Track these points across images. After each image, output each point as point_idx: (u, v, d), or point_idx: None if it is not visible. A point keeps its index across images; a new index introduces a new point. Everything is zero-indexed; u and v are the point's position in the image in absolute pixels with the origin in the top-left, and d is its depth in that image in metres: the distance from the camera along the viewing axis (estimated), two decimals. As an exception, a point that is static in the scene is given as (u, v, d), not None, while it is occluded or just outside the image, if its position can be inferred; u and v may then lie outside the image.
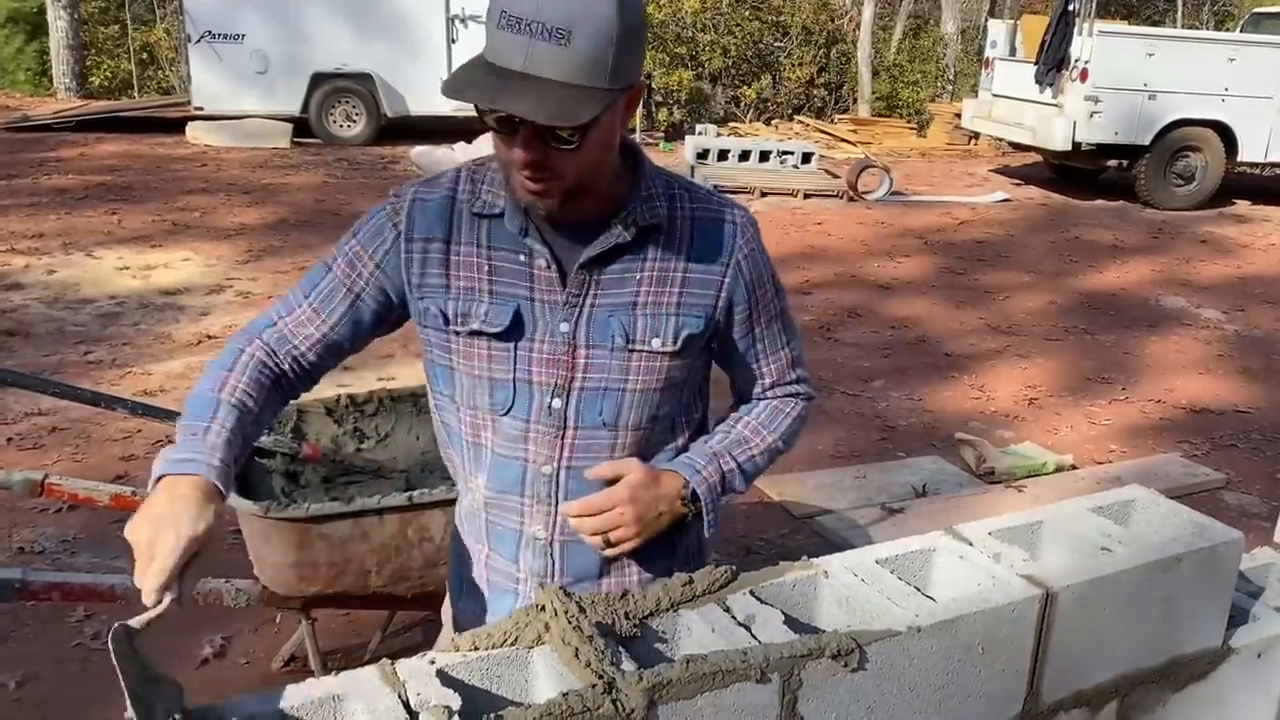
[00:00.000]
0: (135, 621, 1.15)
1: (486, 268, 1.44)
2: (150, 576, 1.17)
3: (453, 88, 1.26)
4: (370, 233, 1.47)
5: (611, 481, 1.50)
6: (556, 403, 1.46)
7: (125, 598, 2.28)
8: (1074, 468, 4.43)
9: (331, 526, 2.16)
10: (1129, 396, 5.39)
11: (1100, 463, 4.55)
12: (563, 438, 1.48)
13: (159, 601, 1.18)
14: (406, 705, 1.19)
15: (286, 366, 1.49)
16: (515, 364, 1.45)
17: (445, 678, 1.24)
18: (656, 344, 1.46)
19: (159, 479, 1.26)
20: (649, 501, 1.48)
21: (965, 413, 5.07)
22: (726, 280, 1.49)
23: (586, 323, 1.45)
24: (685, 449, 1.60)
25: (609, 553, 1.50)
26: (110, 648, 1.08)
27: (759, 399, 1.66)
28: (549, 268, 1.42)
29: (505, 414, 1.48)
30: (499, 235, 1.43)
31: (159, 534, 1.19)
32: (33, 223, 7.66)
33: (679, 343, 1.48)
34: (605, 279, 1.44)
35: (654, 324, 1.46)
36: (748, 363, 1.60)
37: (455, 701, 1.18)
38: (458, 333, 1.45)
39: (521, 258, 1.43)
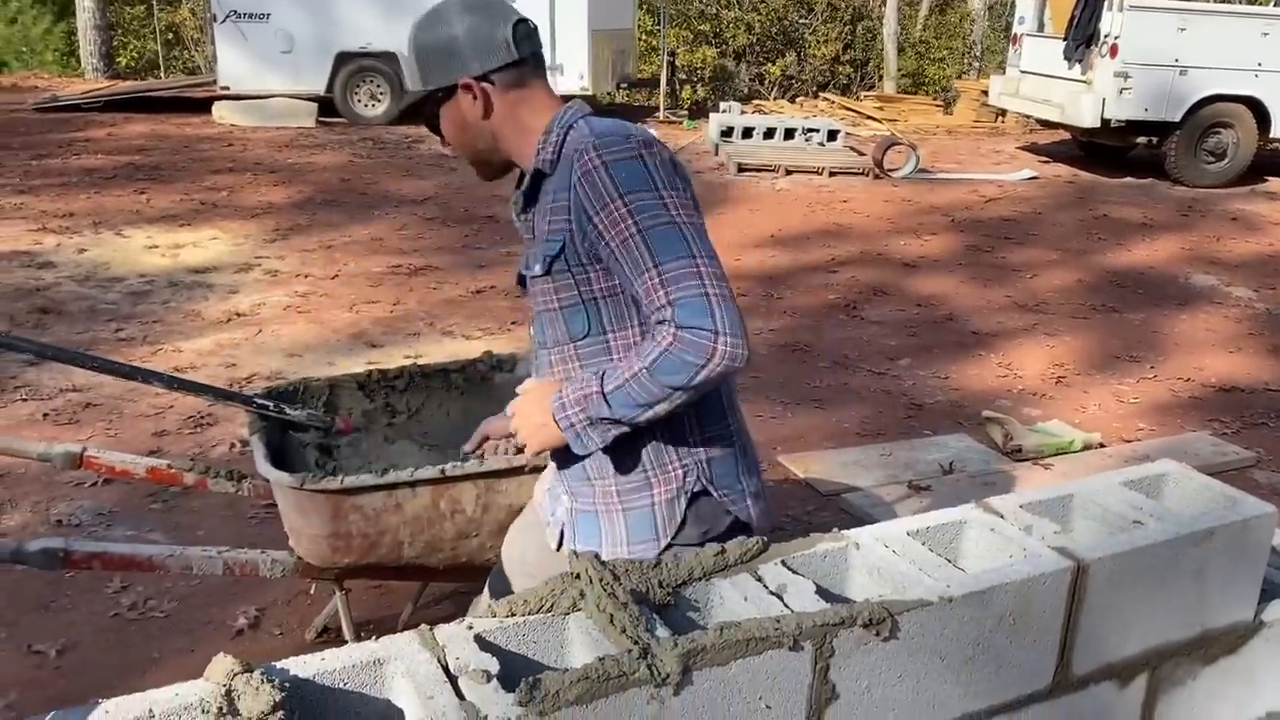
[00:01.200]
0: None
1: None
2: None
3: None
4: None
5: None
6: (531, 330, 1.82)
7: (162, 567, 2.32)
8: (1102, 445, 4.41)
9: (365, 498, 2.19)
10: (1158, 375, 5.35)
11: (1128, 441, 4.53)
12: (539, 355, 1.81)
13: None
14: (445, 669, 1.21)
15: None
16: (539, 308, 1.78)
17: (483, 642, 1.26)
18: (537, 269, 1.70)
19: None
20: (527, 413, 1.70)
21: (992, 391, 5.06)
22: (570, 203, 1.63)
23: (528, 259, 1.75)
24: (594, 356, 1.75)
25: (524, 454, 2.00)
26: None
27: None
28: (517, 217, 1.79)
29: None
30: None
31: None
32: (63, 202, 7.73)
33: (545, 266, 1.69)
34: (524, 220, 1.77)
35: (535, 253, 1.71)
36: (625, 285, 1.64)
37: (494, 665, 1.20)
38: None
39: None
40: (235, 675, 1.13)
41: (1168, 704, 1.65)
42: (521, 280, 1.77)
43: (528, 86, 1.73)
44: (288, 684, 1.14)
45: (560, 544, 1.82)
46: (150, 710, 1.13)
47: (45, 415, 4.23)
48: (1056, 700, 1.52)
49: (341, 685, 1.20)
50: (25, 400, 4.36)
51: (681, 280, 1.53)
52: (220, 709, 1.10)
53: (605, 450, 1.67)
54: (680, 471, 1.72)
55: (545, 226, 1.69)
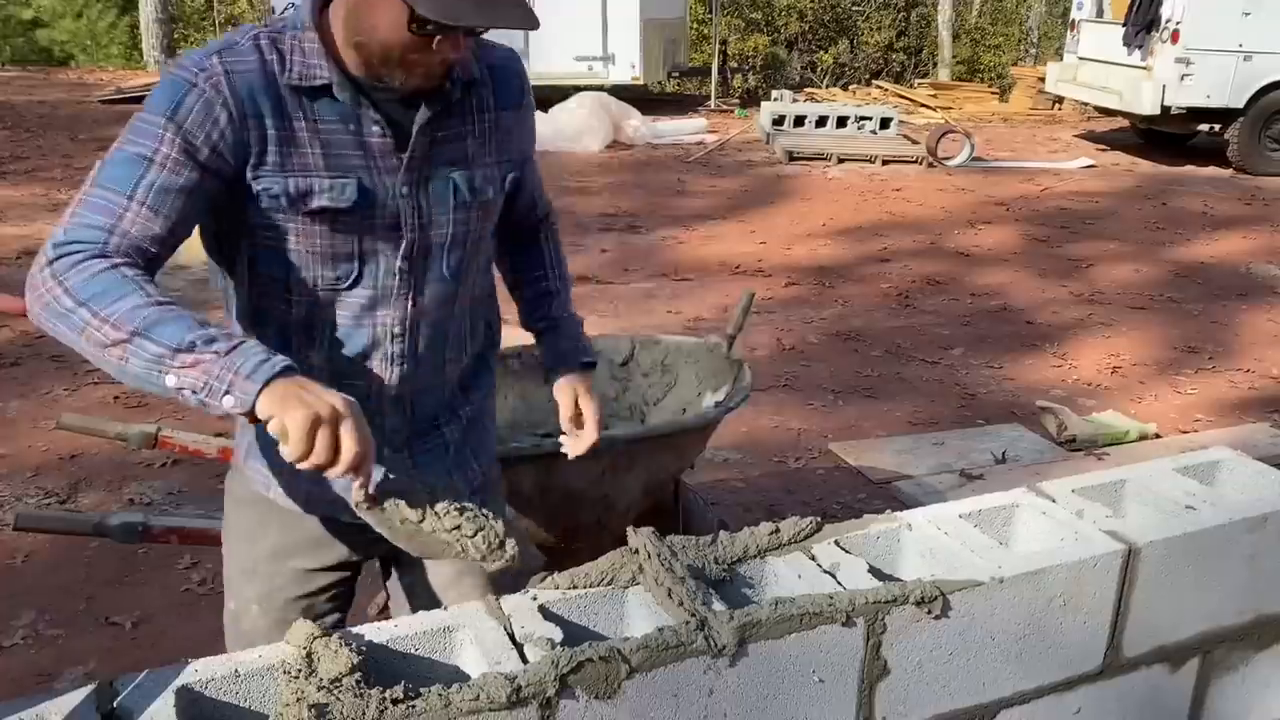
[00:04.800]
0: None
1: (318, 142, 1.43)
2: (362, 441, 1.27)
3: (449, 14, 1.33)
4: (199, 115, 1.37)
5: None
6: (403, 264, 1.51)
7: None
8: (1158, 436, 4.37)
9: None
10: (1216, 366, 5.28)
11: (1185, 432, 4.48)
12: (410, 296, 1.54)
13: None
14: (511, 637, 1.27)
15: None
16: (361, 236, 1.48)
17: (546, 613, 1.31)
18: (491, 193, 1.58)
19: (263, 387, 1.24)
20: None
21: (1047, 381, 5.02)
22: (526, 121, 1.64)
23: (428, 183, 1.51)
24: (491, 282, 1.74)
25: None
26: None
27: (533, 230, 1.82)
28: (384, 135, 1.45)
29: (351, 287, 1.50)
30: (323, 108, 1.43)
31: (331, 402, 1.25)
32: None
33: (507, 187, 1.62)
34: (441, 138, 1.51)
35: (487, 174, 1.57)
36: (531, 192, 1.76)
37: (557, 634, 1.25)
38: (299, 212, 1.44)
39: (350, 128, 1.44)
40: (315, 639, 1.20)
41: (1220, 689, 1.66)
42: (357, 204, 1.45)
43: None
44: (364, 648, 1.21)
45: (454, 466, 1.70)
46: (236, 670, 1.20)
47: (116, 398, 4.37)
48: (1107, 681, 1.54)
49: (413, 650, 1.26)
50: (97, 384, 4.51)
51: None
52: (301, 670, 1.17)
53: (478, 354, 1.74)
54: None
55: (492, 144, 1.57)
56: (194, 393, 1.24)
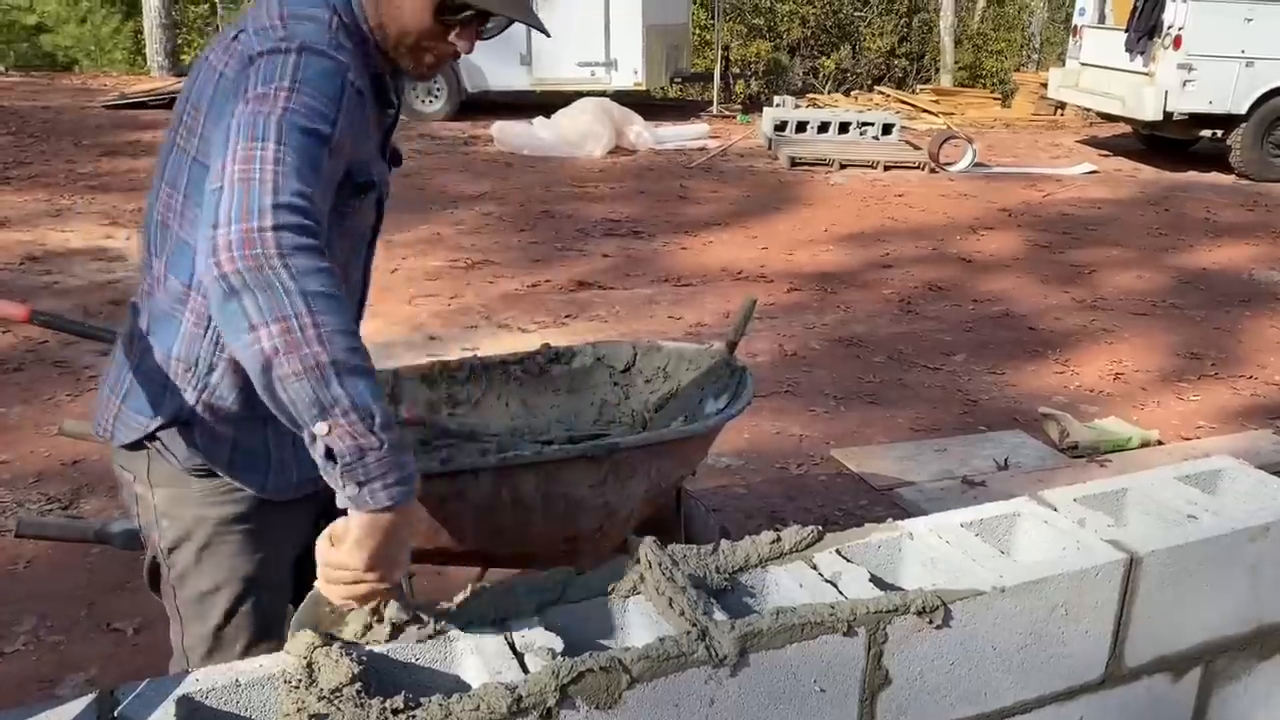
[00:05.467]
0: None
1: (364, 129, 1.50)
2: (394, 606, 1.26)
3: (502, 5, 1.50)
4: (352, 105, 1.40)
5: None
6: (379, 225, 1.68)
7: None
8: (1160, 443, 4.36)
9: (430, 485, 2.26)
10: (1219, 373, 5.27)
11: (1187, 439, 4.48)
12: (368, 254, 1.70)
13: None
14: (512, 646, 1.27)
15: None
16: (368, 209, 1.60)
17: (547, 622, 1.31)
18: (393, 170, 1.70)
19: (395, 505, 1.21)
20: None
21: (1049, 388, 5.02)
22: None
23: (385, 153, 1.65)
24: None
25: None
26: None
27: None
28: (397, 115, 1.63)
29: (347, 260, 1.59)
30: (365, 100, 1.48)
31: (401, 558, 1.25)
32: (133, 197, 7.94)
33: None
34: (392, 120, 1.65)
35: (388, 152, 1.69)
36: None
37: (558, 644, 1.26)
38: (363, 194, 1.54)
39: (374, 113, 1.55)
40: (315, 649, 1.20)
41: (1222, 699, 1.66)
42: (371, 184, 1.54)
43: None
44: (364, 658, 1.21)
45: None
46: (236, 680, 1.20)
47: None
48: (1109, 691, 1.54)
49: (414, 660, 1.26)
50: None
51: None
52: (302, 680, 1.17)
53: None
54: None
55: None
56: (330, 457, 1.19)
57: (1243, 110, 9.90)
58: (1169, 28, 9.79)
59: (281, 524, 1.66)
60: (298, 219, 1.23)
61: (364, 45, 1.49)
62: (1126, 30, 10.28)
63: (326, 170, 1.34)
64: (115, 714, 1.15)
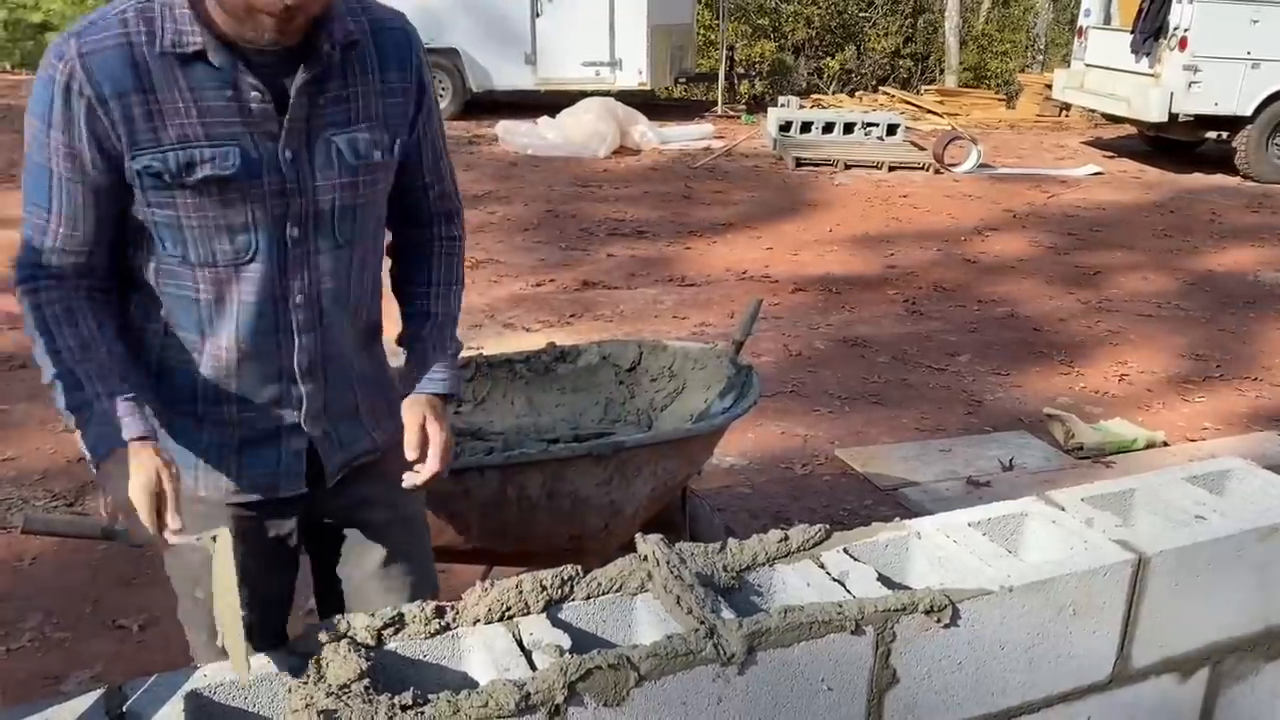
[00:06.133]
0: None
1: (195, 110, 1.39)
2: (170, 510, 1.34)
3: None
4: (60, 115, 1.37)
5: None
6: (296, 231, 1.49)
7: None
8: (1165, 445, 4.35)
9: (435, 483, 2.25)
10: (1225, 375, 5.26)
11: (1193, 440, 4.47)
12: (309, 264, 1.51)
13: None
14: (520, 644, 1.27)
15: (84, 288, 1.46)
16: (251, 205, 1.45)
17: (555, 620, 1.31)
18: (378, 156, 1.53)
19: (103, 459, 1.38)
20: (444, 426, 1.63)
21: (1054, 389, 5.01)
22: (414, 86, 1.58)
23: (311, 147, 1.47)
24: (383, 247, 1.68)
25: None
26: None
27: (426, 228, 1.71)
28: (264, 99, 1.42)
29: (251, 260, 1.47)
30: (198, 75, 1.39)
31: (149, 478, 1.34)
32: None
33: (395, 151, 1.56)
34: (323, 100, 1.47)
35: (373, 137, 1.52)
36: (422, 170, 1.66)
37: (565, 641, 1.26)
38: (184, 185, 1.41)
39: (229, 94, 1.40)
40: (323, 644, 1.20)
41: (1229, 699, 1.66)
42: (242, 171, 1.42)
43: None
44: (372, 654, 1.21)
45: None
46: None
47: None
48: (1116, 691, 1.54)
49: (422, 657, 1.26)
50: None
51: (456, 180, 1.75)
52: (310, 676, 1.17)
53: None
54: None
55: (377, 106, 1.53)
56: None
57: (1248, 112, 9.89)
58: (1175, 29, 9.77)
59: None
60: (24, 268, 1.45)
61: (195, 21, 1.37)
62: (1132, 31, 10.26)
63: (69, 191, 1.41)
64: (124, 709, 1.15)
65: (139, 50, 1.36)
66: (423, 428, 1.59)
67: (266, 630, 1.61)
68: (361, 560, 1.70)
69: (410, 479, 1.60)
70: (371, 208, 1.57)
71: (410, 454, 1.58)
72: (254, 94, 1.41)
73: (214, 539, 1.28)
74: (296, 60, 1.43)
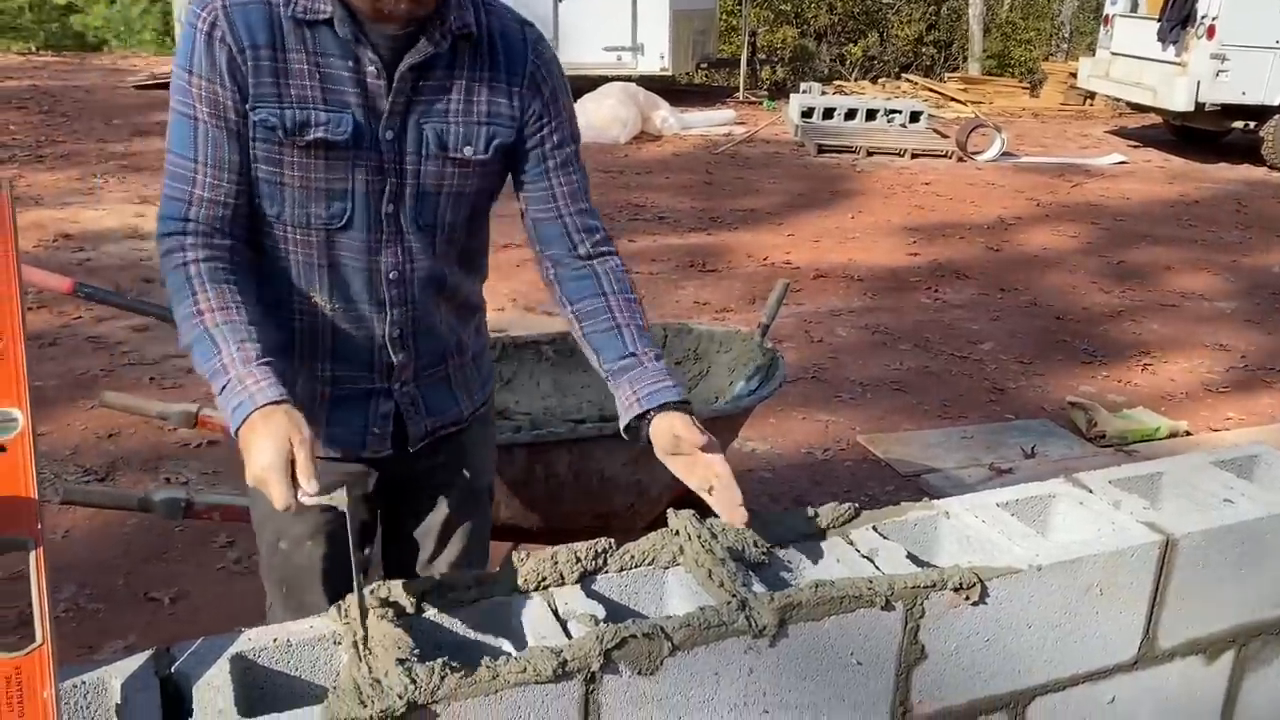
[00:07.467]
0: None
1: (318, 75, 1.44)
2: (302, 473, 1.28)
3: None
4: (204, 61, 1.42)
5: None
6: (390, 208, 1.52)
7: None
8: (1188, 434, 4.34)
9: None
10: (1248, 364, 5.24)
11: (1216, 429, 4.46)
12: (401, 243, 1.54)
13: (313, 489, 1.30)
14: (555, 613, 1.29)
15: (226, 247, 1.46)
16: (352, 173, 1.48)
17: (589, 591, 1.34)
18: (468, 152, 1.54)
19: (241, 425, 1.33)
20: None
21: (1077, 377, 5.00)
22: (525, 90, 1.56)
23: (407, 130, 1.50)
24: (485, 242, 1.72)
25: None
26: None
27: (571, 246, 1.65)
28: (379, 76, 1.45)
29: (345, 227, 1.51)
30: (325, 42, 1.44)
31: (282, 444, 1.29)
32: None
33: (490, 150, 1.56)
34: (424, 87, 1.49)
35: (466, 132, 1.53)
36: (546, 180, 1.63)
37: (600, 611, 1.28)
38: (295, 144, 1.45)
39: (350, 64, 1.45)
40: (367, 610, 1.22)
41: (1254, 682, 1.67)
42: (351, 140, 1.46)
43: None
44: (413, 623, 1.23)
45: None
46: (288, 640, 1.23)
47: (151, 379, 4.43)
48: (1141, 672, 1.55)
49: (461, 625, 1.29)
50: (133, 364, 4.57)
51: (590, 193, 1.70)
52: (352, 642, 1.20)
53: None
54: None
55: (479, 104, 1.53)
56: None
57: (1276, 101, 9.80)
58: (1203, 17, 9.69)
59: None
60: (163, 225, 1.47)
61: None
62: (1159, 19, 10.17)
63: (214, 137, 1.44)
64: (172, 670, 1.18)
65: (275, 10, 1.43)
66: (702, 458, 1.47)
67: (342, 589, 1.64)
68: (427, 524, 1.75)
69: (726, 516, 1.43)
70: (462, 199, 1.58)
71: (700, 491, 1.48)
72: (371, 69, 1.45)
73: (344, 497, 1.29)
74: (413, 44, 1.46)
